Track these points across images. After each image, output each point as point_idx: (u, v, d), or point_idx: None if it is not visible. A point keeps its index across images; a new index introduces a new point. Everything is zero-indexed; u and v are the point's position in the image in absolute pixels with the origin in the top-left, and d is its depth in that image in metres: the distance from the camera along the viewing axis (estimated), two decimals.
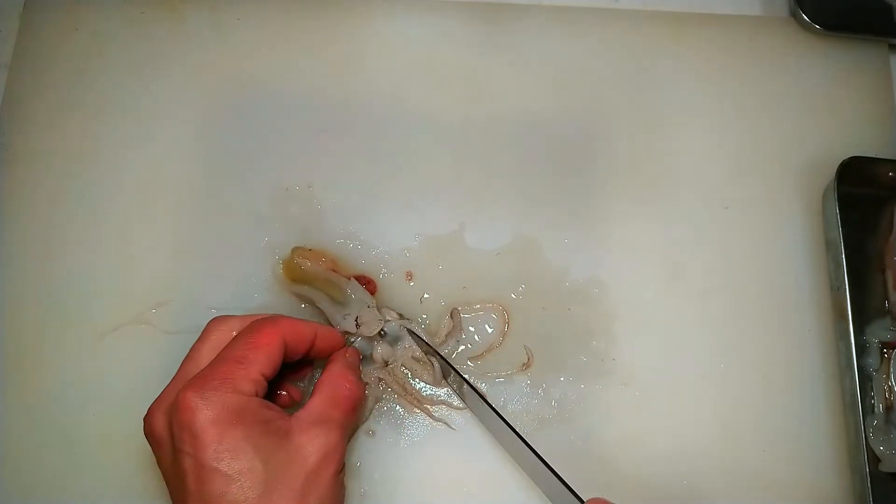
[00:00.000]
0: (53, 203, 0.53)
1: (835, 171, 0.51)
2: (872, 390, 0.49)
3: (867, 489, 0.46)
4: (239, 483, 0.36)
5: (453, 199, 0.54)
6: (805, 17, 0.57)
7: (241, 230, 0.53)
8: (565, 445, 0.49)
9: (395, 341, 0.49)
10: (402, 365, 0.49)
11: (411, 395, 0.49)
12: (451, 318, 0.50)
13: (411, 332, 0.49)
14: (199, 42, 0.57)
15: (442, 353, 0.49)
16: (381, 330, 0.49)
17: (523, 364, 0.51)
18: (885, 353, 0.50)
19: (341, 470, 0.40)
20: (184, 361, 0.42)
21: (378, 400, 0.49)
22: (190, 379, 0.39)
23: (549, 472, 0.42)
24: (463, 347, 0.51)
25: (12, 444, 0.49)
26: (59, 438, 0.49)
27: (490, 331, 0.51)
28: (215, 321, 0.43)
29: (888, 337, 0.50)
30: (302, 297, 0.51)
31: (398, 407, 0.50)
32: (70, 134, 0.55)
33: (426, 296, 0.52)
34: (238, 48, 0.57)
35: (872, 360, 0.50)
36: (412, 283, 0.52)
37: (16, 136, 0.54)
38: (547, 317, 0.52)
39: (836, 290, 0.51)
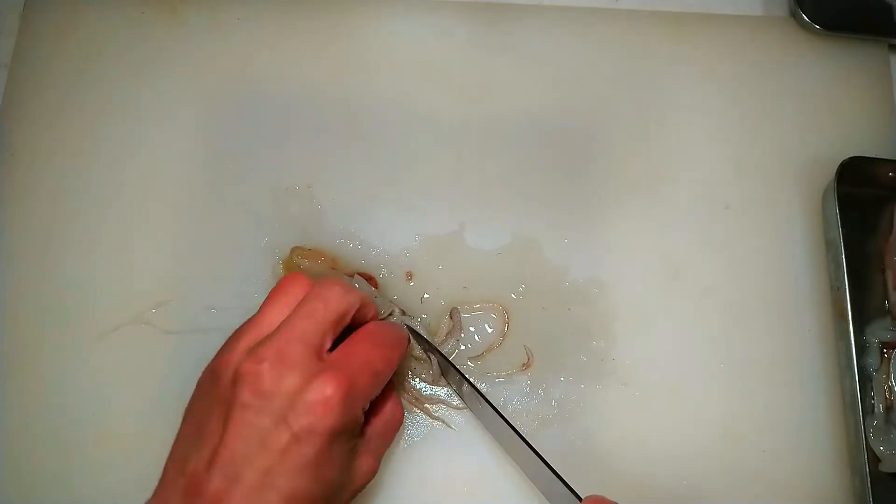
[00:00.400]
0: (53, 203, 0.53)
1: (835, 171, 0.51)
2: (872, 390, 0.49)
3: (867, 489, 0.46)
4: (312, 488, 0.36)
5: (453, 199, 0.54)
6: (805, 17, 0.57)
7: (241, 230, 0.53)
8: (565, 445, 0.49)
9: None
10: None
11: (410, 393, 0.49)
12: (451, 317, 0.51)
13: (411, 330, 0.49)
14: (200, 42, 0.57)
15: (442, 352, 0.49)
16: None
17: (523, 364, 0.51)
18: (885, 353, 0.50)
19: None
20: (266, 306, 0.40)
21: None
22: (337, 368, 0.38)
23: (548, 471, 0.42)
24: (463, 347, 0.51)
25: (12, 444, 0.49)
26: (59, 438, 0.49)
27: (490, 331, 0.51)
28: (294, 278, 0.41)
29: (888, 337, 0.50)
30: None
31: None
32: (70, 134, 0.55)
33: (426, 296, 0.52)
34: (238, 48, 0.57)
35: (872, 360, 0.50)
36: (412, 283, 0.52)
37: (16, 136, 0.54)
38: (547, 317, 0.52)
39: (836, 290, 0.51)
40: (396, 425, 0.44)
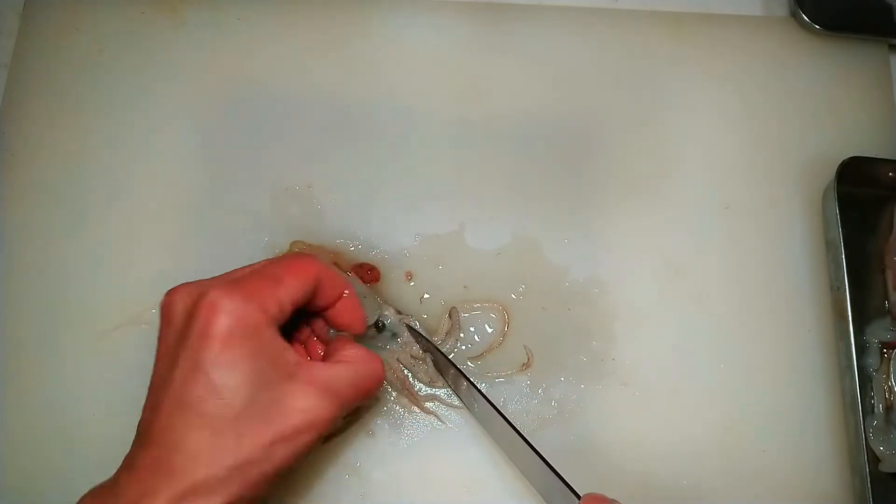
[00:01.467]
0: (53, 203, 0.53)
1: (835, 171, 0.51)
2: (872, 390, 0.49)
3: (867, 489, 0.46)
4: (219, 398, 0.35)
5: (453, 199, 0.54)
6: (805, 17, 0.57)
7: (241, 230, 0.53)
8: (565, 445, 0.49)
9: (393, 337, 0.49)
10: (398, 360, 0.49)
11: (410, 392, 0.49)
12: (450, 317, 0.51)
13: (410, 328, 0.49)
14: (200, 42, 0.57)
15: (441, 351, 0.49)
16: (381, 322, 0.49)
17: (523, 364, 0.51)
18: (885, 353, 0.50)
19: (320, 440, 0.38)
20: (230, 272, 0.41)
21: (377, 399, 0.49)
22: (226, 278, 0.38)
23: (547, 469, 0.42)
24: (464, 347, 0.51)
25: (12, 444, 0.49)
26: (59, 438, 0.49)
27: (490, 331, 0.51)
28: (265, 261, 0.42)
29: (888, 337, 0.50)
30: None
31: (398, 407, 0.50)
32: (70, 134, 0.55)
33: (426, 296, 0.52)
34: (238, 48, 0.57)
35: (872, 360, 0.50)
36: (412, 283, 0.52)
37: (16, 136, 0.54)
38: (547, 317, 0.52)
39: (836, 290, 0.51)
40: (360, 374, 0.40)
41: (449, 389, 0.50)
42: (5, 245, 0.52)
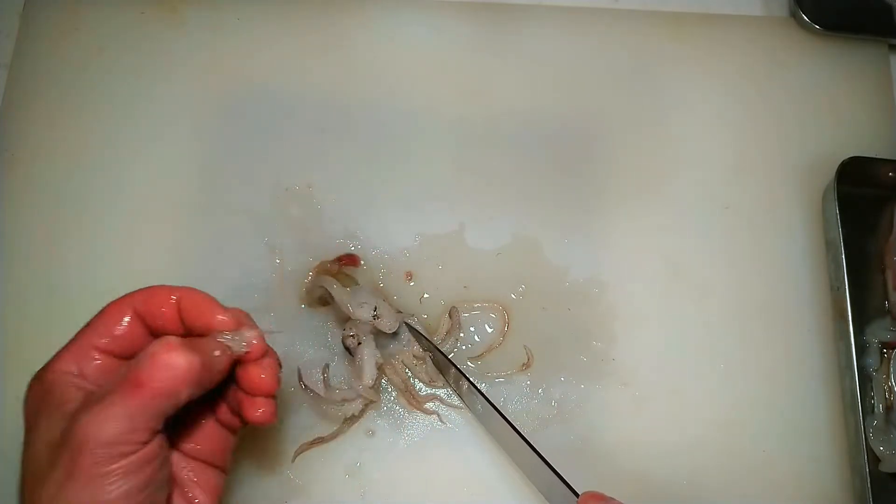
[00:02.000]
0: (53, 203, 0.53)
1: (835, 171, 0.51)
2: (872, 390, 0.49)
3: (867, 489, 0.46)
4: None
5: (453, 199, 0.54)
6: (805, 17, 0.57)
7: (241, 230, 0.53)
8: (565, 445, 0.49)
9: (393, 336, 0.49)
10: (400, 360, 0.49)
11: (410, 392, 0.49)
12: (450, 316, 0.50)
13: (409, 327, 0.49)
14: (200, 42, 0.57)
15: (440, 350, 0.49)
16: (347, 346, 0.49)
17: (523, 364, 0.51)
18: (885, 353, 0.50)
19: (129, 456, 0.32)
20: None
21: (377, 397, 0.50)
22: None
23: (546, 468, 0.43)
24: (464, 347, 0.51)
25: (12, 444, 0.49)
26: None
27: (490, 331, 0.51)
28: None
29: (888, 337, 0.50)
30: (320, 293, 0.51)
31: (398, 407, 0.50)
32: (70, 134, 0.55)
33: (426, 296, 0.52)
34: (238, 48, 0.57)
35: (872, 360, 0.50)
36: (412, 283, 0.52)
37: (16, 136, 0.54)
38: (547, 317, 0.52)
39: (836, 290, 0.51)
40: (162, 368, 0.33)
41: (449, 389, 0.50)
42: (5, 245, 0.52)
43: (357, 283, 0.51)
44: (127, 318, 0.36)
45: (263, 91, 0.56)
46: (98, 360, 0.36)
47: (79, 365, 0.35)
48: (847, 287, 0.49)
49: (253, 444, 0.48)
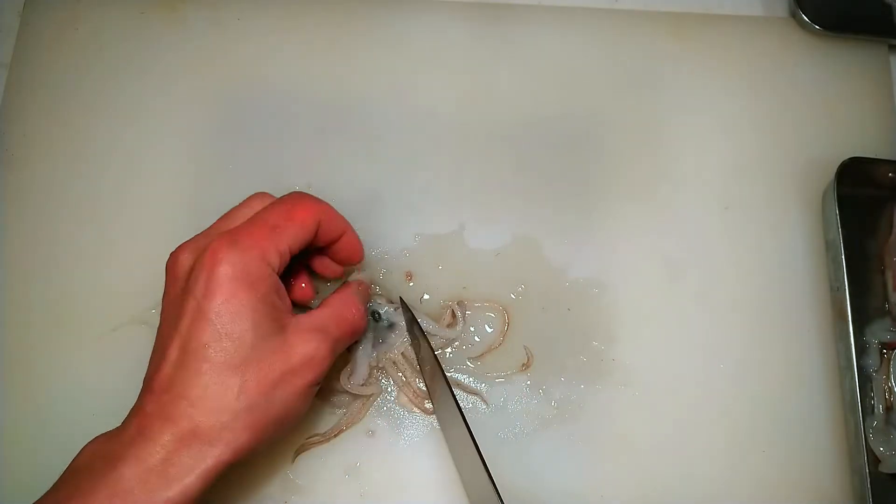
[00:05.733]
0: (53, 203, 0.53)
1: (835, 171, 0.51)
2: (872, 391, 0.49)
3: (867, 490, 0.46)
4: (224, 344, 0.37)
5: (453, 199, 0.54)
6: (805, 18, 0.57)
7: None
8: (565, 445, 0.49)
9: (391, 327, 0.50)
10: (402, 354, 0.50)
11: (411, 388, 0.49)
12: (455, 313, 0.50)
13: (402, 302, 0.49)
14: (200, 42, 0.57)
15: (425, 334, 0.49)
16: (377, 313, 0.49)
17: (523, 364, 0.51)
18: (885, 353, 0.50)
19: (317, 383, 0.40)
20: (219, 219, 0.42)
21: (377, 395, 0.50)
22: (226, 230, 0.40)
23: (494, 493, 0.43)
24: (464, 347, 0.51)
25: (12, 444, 0.49)
26: (58, 438, 0.49)
27: (490, 331, 0.51)
28: (259, 194, 0.44)
29: (888, 337, 0.50)
30: None
31: (398, 407, 0.50)
32: (70, 134, 0.55)
33: (426, 296, 0.52)
34: (238, 48, 0.57)
35: (872, 361, 0.50)
36: (412, 284, 0.52)
37: (16, 136, 0.54)
38: (547, 317, 0.52)
39: (836, 290, 0.51)
40: (348, 318, 0.43)
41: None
42: (5, 245, 0.52)
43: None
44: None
45: (263, 91, 0.56)
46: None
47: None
48: (847, 287, 0.49)
49: None
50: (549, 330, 0.51)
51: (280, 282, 0.40)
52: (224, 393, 0.36)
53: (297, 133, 0.55)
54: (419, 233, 0.53)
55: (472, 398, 0.50)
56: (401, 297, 0.50)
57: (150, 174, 0.54)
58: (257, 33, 0.57)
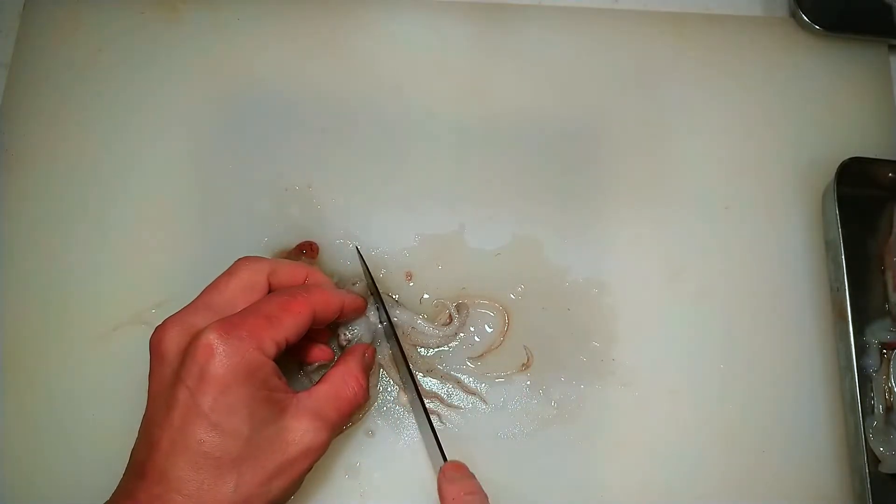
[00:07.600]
0: (53, 203, 0.53)
1: (835, 171, 0.51)
2: (872, 391, 0.49)
3: (867, 490, 0.46)
4: (219, 440, 0.36)
5: (453, 199, 0.54)
6: (805, 18, 0.57)
7: (241, 230, 0.53)
8: (565, 445, 0.49)
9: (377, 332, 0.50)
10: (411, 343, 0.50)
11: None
12: (457, 311, 0.50)
13: (358, 252, 0.50)
14: (200, 42, 0.57)
15: (430, 339, 0.50)
16: (344, 341, 0.48)
17: (523, 364, 0.51)
18: (885, 353, 0.50)
19: (309, 470, 0.40)
20: (207, 289, 0.41)
21: (374, 399, 0.49)
22: (222, 318, 0.38)
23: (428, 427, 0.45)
24: (464, 347, 0.51)
25: (12, 444, 0.49)
26: (58, 438, 0.49)
27: (490, 331, 0.51)
28: (245, 259, 0.43)
29: (888, 337, 0.50)
30: None
31: (398, 407, 0.50)
32: (70, 134, 0.55)
33: (426, 296, 0.52)
34: (239, 48, 0.57)
35: (872, 361, 0.50)
36: (412, 284, 0.52)
37: (16, 136, 0.54)
38: (547, 317, 0.52)
39: (836, 290, 0.51)
40: (348, 398, 0.42)
41: (439, 382, 0.50)
42: (5, 245, 0.52)
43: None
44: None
45: (263, 91, 0.56)
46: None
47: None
48: (847, 287, 0.49)
49: None
50: (549, 330, 0.51)
51: (276, 367, 0.39)
52: (220, 489, 0.36)
53: (297, 133, 0.55)
54: (419, 233, 0.53)
55: (471, 398, 0.50)
56: (356, 247, 0.49)
57: (149, 174, 0.54)
58: (257, 33, 0.57)
